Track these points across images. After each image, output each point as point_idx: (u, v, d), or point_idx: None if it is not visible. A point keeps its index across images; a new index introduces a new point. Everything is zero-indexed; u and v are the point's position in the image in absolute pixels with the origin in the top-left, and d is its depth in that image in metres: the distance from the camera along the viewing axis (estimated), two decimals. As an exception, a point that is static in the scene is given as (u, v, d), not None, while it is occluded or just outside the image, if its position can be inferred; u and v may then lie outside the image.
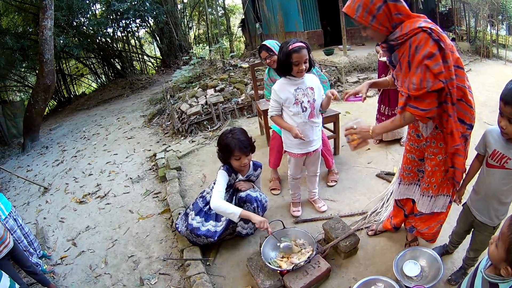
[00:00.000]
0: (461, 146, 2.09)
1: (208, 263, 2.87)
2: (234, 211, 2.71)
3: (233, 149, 2.81)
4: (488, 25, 13.51)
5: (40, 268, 3.05)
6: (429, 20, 1.97)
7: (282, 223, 2.86)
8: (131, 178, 4.77)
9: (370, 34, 2.11)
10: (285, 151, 3.19)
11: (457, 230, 2.45)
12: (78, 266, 3.21)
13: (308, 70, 2.84)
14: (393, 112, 4.24)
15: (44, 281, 2.84)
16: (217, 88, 7.06)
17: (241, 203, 2.97)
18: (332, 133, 4.33)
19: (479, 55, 11.54)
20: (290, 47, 2.68)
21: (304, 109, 2.86)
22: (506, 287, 1.41)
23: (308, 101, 2.86)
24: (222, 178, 2.90)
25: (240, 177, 3.08)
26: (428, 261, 2.52)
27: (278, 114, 2.97)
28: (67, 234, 3.74)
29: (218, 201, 2.75)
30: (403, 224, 2.92)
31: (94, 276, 3.04)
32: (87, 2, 12.68)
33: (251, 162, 3.08)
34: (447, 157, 2.18)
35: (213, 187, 2.95)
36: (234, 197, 3.02)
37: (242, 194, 2.99)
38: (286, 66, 2.75)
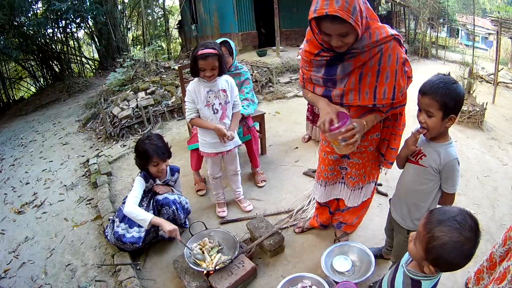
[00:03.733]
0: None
1: (138, 268, 2.86)
2: (145, 218, 2.62)
3: (151, 155, 2.76)
4: (429, 27, 14.01)
5: (-15, 283, 2.94)
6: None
7: (204, 224, 2.87)
8: (65, 186, 4.58)
9: (347, 42, 1.69)
10: (200, 151, 3.15)
11: (386, 226, 2.37)
12: (20, 278, 3.08)
13: (220, 74, 2.80)
14: None
15: None
16: (148, 91, 6.83)
17: (158, 206, 2.92)
18: (258, 133, 4.23)
19: (417, 55, 11.97)
20: (198, 52, 2.61)
21: (215, 111, 2.85)
22: (429, 285, 1.35)
23: (220, 104, 2.85)
24: (138, 185, 2.84)
25: (158, 181, 3.04)
26: (358, 255, 2.45)
27: (197, 116, 2.90)
28: (8, 246, 3.57)
29: (131, 207, 2.68)
30: (330, 221, 2.85)
31: (35, 287, 2.94)
32: (29, 0, 11.55)
33: (168, 167, 3.05)
34: (388, 139, 2.17)
35: None
36: (152, 200, 2.95)
37: (160, 197, 2.94)
38: (194, 69, 2.73)
